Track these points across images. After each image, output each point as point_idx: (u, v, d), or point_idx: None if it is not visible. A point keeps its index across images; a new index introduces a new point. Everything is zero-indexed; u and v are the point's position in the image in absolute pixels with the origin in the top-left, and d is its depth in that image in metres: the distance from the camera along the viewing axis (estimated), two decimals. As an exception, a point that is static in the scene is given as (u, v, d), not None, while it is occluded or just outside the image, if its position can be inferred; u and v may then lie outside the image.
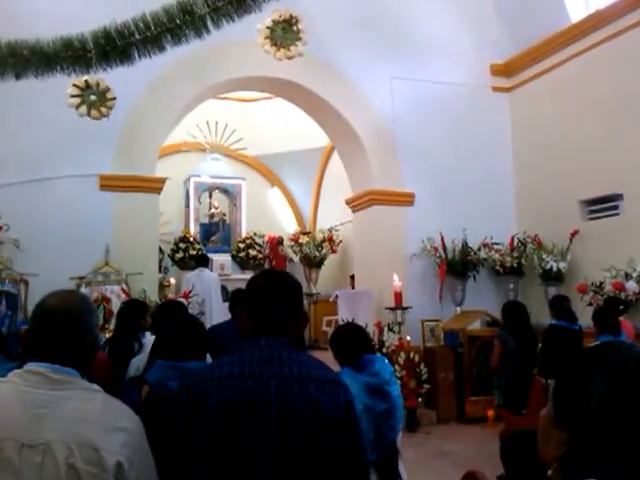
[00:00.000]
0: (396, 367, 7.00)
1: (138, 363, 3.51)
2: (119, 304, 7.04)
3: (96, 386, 1.68)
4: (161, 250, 10.23)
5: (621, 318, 5.41)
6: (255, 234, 13.15)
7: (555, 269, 8.15)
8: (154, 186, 7.81)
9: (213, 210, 13.29)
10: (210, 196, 13.30)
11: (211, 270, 10.80)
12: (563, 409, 1.03)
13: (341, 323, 7.93)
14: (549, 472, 1.04)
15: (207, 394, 1.67)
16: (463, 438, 6.91)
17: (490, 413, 7.19)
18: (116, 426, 1.58)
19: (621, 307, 6.29)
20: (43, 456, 1.49)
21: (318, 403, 1.68)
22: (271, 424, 1.64)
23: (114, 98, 3.97)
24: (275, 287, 1.85)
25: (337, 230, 12.55)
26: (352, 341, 3.35)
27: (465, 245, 8.72)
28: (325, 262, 12.77)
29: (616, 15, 7.61)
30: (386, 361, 3.49)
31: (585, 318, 6.19)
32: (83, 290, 7.04)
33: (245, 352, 1.75)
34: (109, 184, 7.43)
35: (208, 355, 3.27)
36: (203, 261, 9.61)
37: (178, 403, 1.74)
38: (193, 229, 12.68)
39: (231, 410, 1.65)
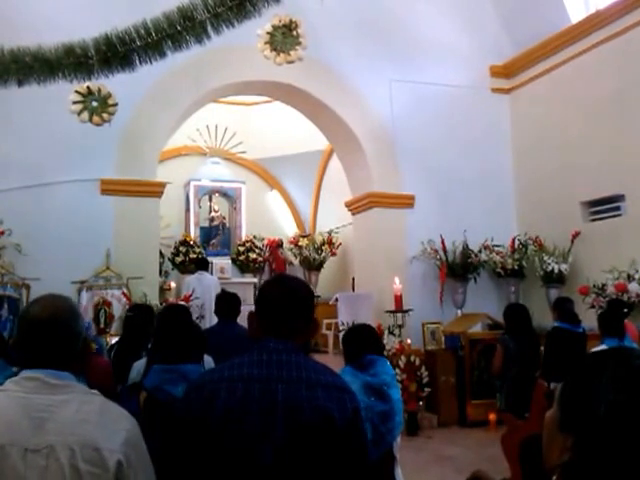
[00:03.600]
0: (397, 370, 6.99)
1: (139, 367, 3.49)
2: (120, 308, 7.07)
3: (93, 390, 1.70)
4: (161, 254, 10.23)
5: (625, 320, 5.39)
6: (255, 237, 13.15)
7: (556, 271, 8.14)
8: (155, 190, 7.81)
9: (213, 214, 13.30)
10: (210, 200, 13.32)
11: (211, 274, 10.79)
12: (569, 414, 1.02)
13: (342, 327, 7.96)
14: (553, 478, 1.03)
15: (216, 395, 1.68)
16: (464, 442, 6.90)
17: (492, 417, 7.18)
18: (115, 426, 1.61)
19: (625, 310, 6.26)
20: (47, 460, 1.50)
21: (325, 408, 1.69)
22: (277, 427, 1.64)
23: (116, 104, 3.97)
24: (285, 292, 1.86)
25: (337, 233, 12.55)
26: (356, 340, 3.38)
27: (466, 247, 8.72)
28: (325, 265, 12.77)
29: (616, 15, 7.61)
30: (388, 363, 3.51)
31: (587, 320, 6.20)
32: (84, 294, 7.06)
33: (254, 355, 1.76)
34: (110, 188, 7.44)
35: (208, 358, 3.27)
36: (203, 265, 9.60)
37: (186, 402, 1.75)
38: (193, 233, 12.68)
39: (238, 412, 1.66)
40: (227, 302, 4.98)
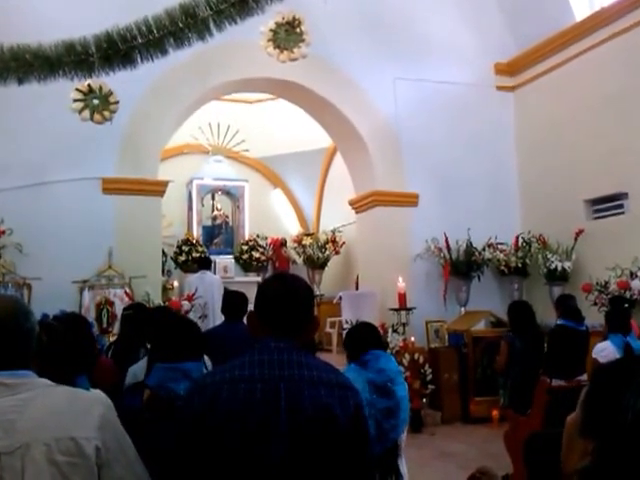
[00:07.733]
0: (401, 368, 6.97)
1: (134, 371, 3.47)
2: (122, 307, 7.05)
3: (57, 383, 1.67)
4: (164, 253, 10.23)
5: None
6: (258, 236, 13.13)
7: (560, 269, 8.12)
8: (157, 189, 7.80)
9: (216, 212, 13.28)
10: (213, 198, 13.29)
11: (214, 273, 10.78)
12: (593, 419, 1.01)
13: (345, 325, 7.95)
14: None
15: (218, 397, 1.67)
16: (467, 438, 6.91)
17: (495, 413, 7.17)
18: (87, 413, 1.59)
19: (626, 305, 6.26)
20: (22, 460, 1.49)
21: (328, 406, 1.68)
22: (280, 426, 1.64)
23: (117, 102, 3.96)
24: (285, 290, 1.84)
25: (340, 231, 12.53)
26: (357, 338, 3.42)
27: (469, 245, 8.69)
28: (328, 263, 12.75)
29: (620, 13, 7.58)
30: (393, 359, 3.51)
31: (590, 318, 6.17)
32: (86, 294, 7.05)
33: (255, 355, 1.75)
34: (112, 187, 7.42)
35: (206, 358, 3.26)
36: (205, 264, 9.57)
37: (189, 405, 1.74)
38: (196, 231, 12.66)
39: (241, 412, 1.64)
40: (232, 301, 4.96)
